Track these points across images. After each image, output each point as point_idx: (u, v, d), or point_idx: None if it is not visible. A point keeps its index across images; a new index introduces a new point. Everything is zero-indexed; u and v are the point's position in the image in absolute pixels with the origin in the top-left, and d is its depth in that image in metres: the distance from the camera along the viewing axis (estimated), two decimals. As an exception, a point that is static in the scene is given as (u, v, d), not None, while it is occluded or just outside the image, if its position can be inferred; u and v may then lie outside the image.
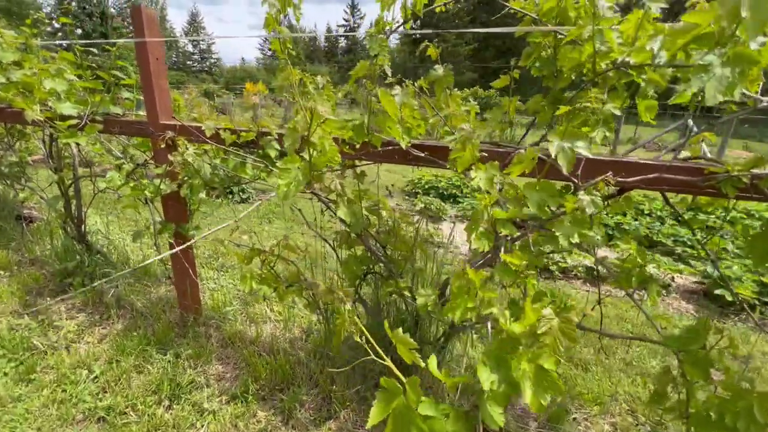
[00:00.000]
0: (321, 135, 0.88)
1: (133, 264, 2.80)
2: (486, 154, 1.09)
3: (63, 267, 2.53)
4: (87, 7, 36.47)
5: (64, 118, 1.90)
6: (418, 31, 1.22)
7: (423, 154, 1.18)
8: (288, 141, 0.93)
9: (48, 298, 2.47)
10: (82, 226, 2.54)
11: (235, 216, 1.91)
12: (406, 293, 1.44)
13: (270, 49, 1.55)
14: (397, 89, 0.97)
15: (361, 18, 61.37)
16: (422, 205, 5.03)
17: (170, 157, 1.65)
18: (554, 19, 1.22)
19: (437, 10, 1.26)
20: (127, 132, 2.01)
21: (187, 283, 2.12)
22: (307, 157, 0.90)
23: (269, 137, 1.59)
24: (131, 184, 1.92)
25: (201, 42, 56.51)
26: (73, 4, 37.93)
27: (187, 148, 1.67)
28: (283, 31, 1.51)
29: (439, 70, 1.12)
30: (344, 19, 61.86)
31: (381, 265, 1.61)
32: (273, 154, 1.57)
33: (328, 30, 64.43)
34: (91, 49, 2.01)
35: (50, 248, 2.77)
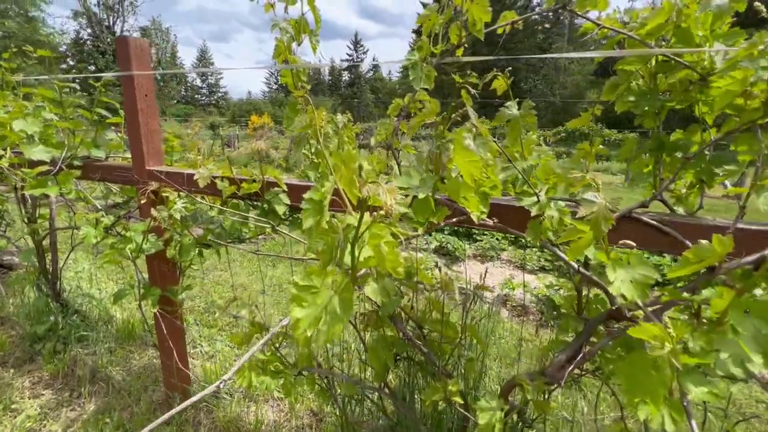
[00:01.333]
0: (375, 233, 0.54)
1: (117, 324, 2.43)
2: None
3: (32, 331, 2.17)
4: (101, 45, 37.93)
5: (34, 164, 1.61)
6: (479, 57, 0.92)
7: (492, 222, 0.84)
8: (309, 219, 0.59)
9: (12, 370, 2.09)
10: (57, 283, 2.20)
11: (229, 261, 1.57)
12: (457, 400, 1.07)
13: (279, 84, 1.27)
14: (468, 136, 0.66)
15: (364, 53, 63.45)
16: (437, 244, 4.68)
17: (153, 212, 1.33)
18: (661, 40, 0.92)
19: (499, 31, 0.97)
20: (110, 179, 1.72)
21: (174, 359, 1.75)
22: (347, 261, 0.55)
23: (276, 189, 1.27)
24: (110, 240, 1.60)
25: (209, 76, 58.32)
26: (88, 42, 39.52)
27: (175, 202, 1.35)
28: (296, 60, 1.23)
29: (513, 107, 0.81)
30: (348, 54, 63.97)
31: (417, 351, 1.24)
32: (281, 210, 1.25)
33: (332, 67, 66.58)
34: (73, 84, 1.74)
35: (22, 306, 2.41)
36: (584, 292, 1.02)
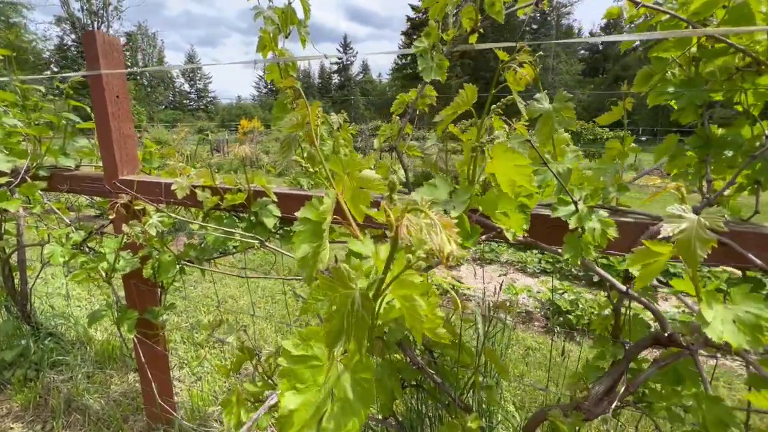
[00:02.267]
0: (408, 283, 0.39)
1: (95, 346, 2.25)
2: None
3: (0, 357, 1.98)
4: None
5: (-6, 175, 1.44)
6: (499, 44, 0.79)
7: (523, 236, 0.71)
8: (303, 246, 0.45)
9: (-22, 401, 1.90)
10: (27, 304, 2.02)
11: (213, 277, 1.41)
12: (479, 438, 0.93)
13: (269, 87, 1.12)
14: (501, 134, 0.53)
15: (354, 55, 63.35)
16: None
17: (124, 228, 1.17)
18: (703, 23, 0.80)
19: (519, 13, 0.84)
20: (79, 190, 1.55)
21: (155, 386, 1.59)
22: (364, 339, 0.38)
23: (265, 199, 1.13)
24: (81, 259, 1.43)
25: (198, 81, 57.74)
26: (72, 48, 38.86)
27: (151, 215, 1.19)
28: (284, 53, 1.09)
29: (545, 100, 0.67)
30: (338, 57, 63.80)
31: (427, 379, 1.10)
32: (270, 223, 1.11)
33: (322, 68, 66.28)
34: (38, 87, 1.58)
35: (-9, 329, 2.22)
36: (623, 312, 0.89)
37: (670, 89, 0.86)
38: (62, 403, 1.86)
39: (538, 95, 0.70)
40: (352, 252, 0.49)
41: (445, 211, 0.48)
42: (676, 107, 0.89)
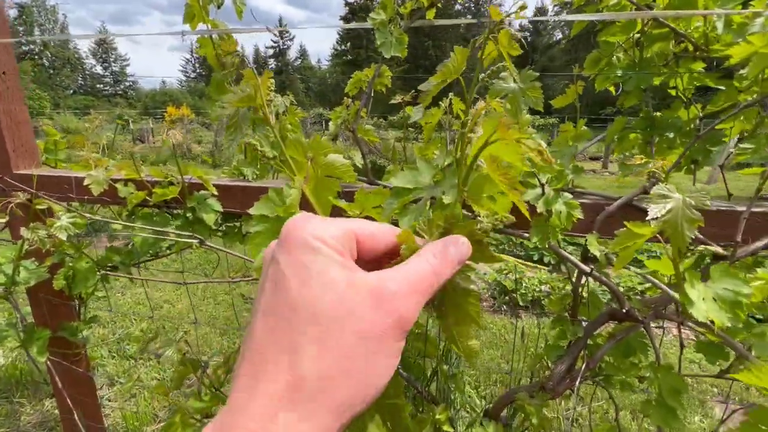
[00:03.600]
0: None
1: (2, 371, 1.92)
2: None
3: None
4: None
5: None
6: (460, 21, 0.74)
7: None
8: (263, 249, 0.37)
9: None
10: None
11: (144, 281, 1.23)
12: (448, 429, 0.91)
13: (198, 72, 0.98)
14: (492, 109, 0.48)
15: (291, 40, 60.71)
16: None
17: (23, 232, 0.97)
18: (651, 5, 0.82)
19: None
20: (-41, 189, 1.26)
21: (78, 413, 1.38)
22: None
23: (203, 193, 0.99)
24: (-33, 273, 1.17)
25: (113, 62, 51.62)
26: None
27: (58, 217, 1.00)
28: (217, 25, 0.95)
29: (511, 79, 0.64)
30: (272, 41, 60.69)
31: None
32: (210, 219, 0.98)
33: (257, 52, 62.71)
34: None
35: None
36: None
37: (618, 72, 0.88)
38: (-44, 444, 1.56)
39: (503, 74, 0.67)
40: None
41: (433, 199, 0.43)
42: (613, 92, 0.93)
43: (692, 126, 0.89)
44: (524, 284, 2.96)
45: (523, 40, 0.55)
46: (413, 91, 0.90)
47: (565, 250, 0.77)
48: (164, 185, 0.98)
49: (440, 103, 0.83)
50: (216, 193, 0.99)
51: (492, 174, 0.37)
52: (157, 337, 1.07)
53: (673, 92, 0.94)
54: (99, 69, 51.91)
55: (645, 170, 0.56)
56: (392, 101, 0.85)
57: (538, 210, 0.67)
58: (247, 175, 1.08)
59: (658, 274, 0.61)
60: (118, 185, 1.03)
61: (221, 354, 1.99)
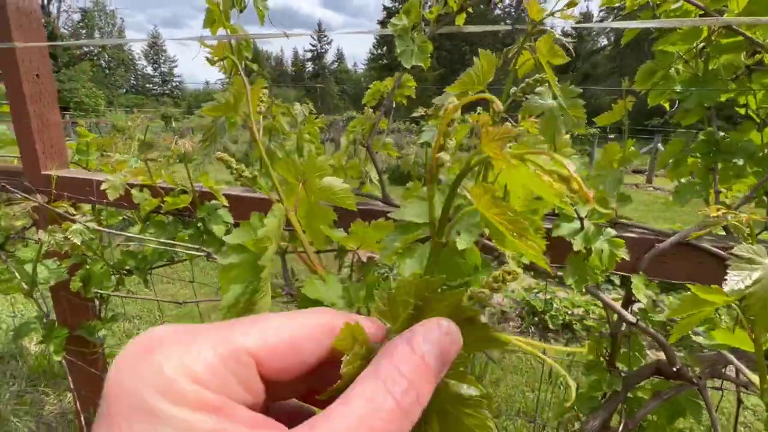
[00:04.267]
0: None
1: (29, 360, 2.00)
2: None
3: None
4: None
5: None
6: (492, 27, 0.66)
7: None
8: (233, 288, 0.32)
9: None
10: (-59, 317, 1.74)
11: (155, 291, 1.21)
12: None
13: (210, 62, 0.95)
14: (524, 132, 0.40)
15: (328, 44, 61.95)
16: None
17: (41, 234, 0.97)
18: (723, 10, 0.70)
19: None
20: (-6, 186, 1.31)
21: (88, 415, 1.39)
22: None
23: (214, 203, 0.96)
24: (-5, 268, 1.21)
25: (162, 64, 54.74)
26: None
27: (72, 221, 1.00)
28: (237, 30, 0.92)
29: (548, 95, 0.55)
30: (311, 45, 62.15)
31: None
32: (220, 231, 0.94)
33: (295, 55, 64.50)
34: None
35: None
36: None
37: (677, 87, 0.76)
38: (-16, 429, 1.62)
39: (540, 88, 0.58)
40: (307, 300, 0.36)
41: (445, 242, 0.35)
42: (668, 107, 0.81)
43: (766, 152, 0.75)
44: (555, 306, 2.78)
45: (570, 46, 0.46)
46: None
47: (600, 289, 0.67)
48: (176, 194, 0.96)
49: (467, 118, 0.75)
50: (226, 203, 0.95)
51: (485, 212, 0.27)
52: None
53: (742, 111, 0.81)
54: (149, 70, 55.18)
55: (719, 222, 0.46)
56: (414, 114, 0.78)
57: (575, 248, 0.57)
58: (263, 185, 1.04)
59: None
60: (134, 191, 1.01)
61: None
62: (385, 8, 46.24)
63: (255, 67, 0.99)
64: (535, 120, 0.51)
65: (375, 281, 0.37)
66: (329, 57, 62.58)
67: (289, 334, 0.19)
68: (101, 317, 1.43)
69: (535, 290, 2.95)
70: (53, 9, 38.24)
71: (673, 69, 0.82)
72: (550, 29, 0.46)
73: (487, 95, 0.21)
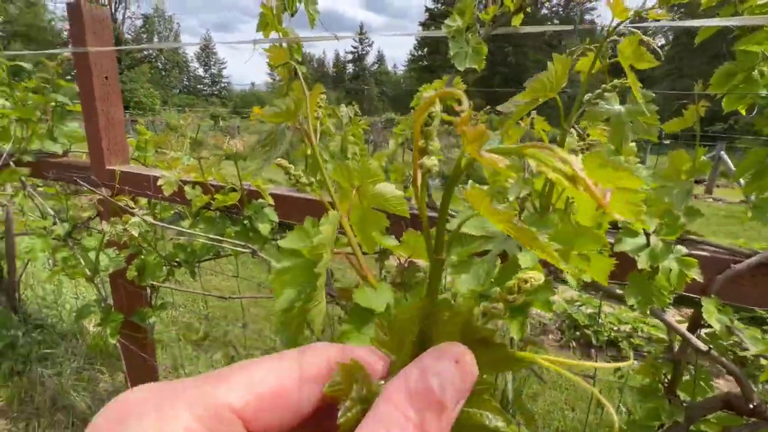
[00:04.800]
0: None
1: (88, 339, 2.16)
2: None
3: (-13, 348, 1.90)
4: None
5: (-28, 159, 1.32)
6: (551, 27, 0.62)
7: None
8: (286, 293, 0.32)
9: (-38, 393, 1.82)
10: (16, 294, 1.92)
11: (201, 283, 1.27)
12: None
13: (270, 66, 0.98)
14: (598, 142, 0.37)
15: (369, 45, 62.62)
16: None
17: (103, 225, 1.04)
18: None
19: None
20: (65, 178, 1.43)
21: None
22: None
23: (260, 201, 0.99)
24: (63, 253, 1.32)
25: (212, 66, 57.75)
26: (90, 29, 39.06)
27: (131, 214, 1.07)
28: (288, 33, 0.94)
29: (615, 100, 0.51)
30: (353, 47, 63.13)
31: None
32: (265, 229, 0.97)
33: (337, 58, 65.74)
34: (22, 64, 1.45)
35: (-20, 317, 2.14)
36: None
37: (762, 92, 0.69)
38: (47, 400, 1.77)
39: (606, 93, 0.54)
40: (359, 308, 0.35)
41: (505, 254, 0.33)
42: (744, 113, 0.73)
43: None
44: (600, 321, 2.63)
45: (657, 48, 0.43)
46: (488, 107, 0.79)
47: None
48: (225, 192, 0.99)
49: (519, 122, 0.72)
50: (272, 203, 0.98)
51: (489, 218, 0.24)
52: (206, 338, 1.09)
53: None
54: (200, 71, 58.43)
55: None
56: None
57: (640, 265, 0.53)
58: (316, 191, 1.06)
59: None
60: (186, 187, 1.06)
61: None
62: (428, 9, 46.02)
63: (303, 69, 1.00)
64: (604, 128, 0.47)
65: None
66: (370, 59, 63.19)
67: (278, 381, 0.17)
68: (152, 305, 1.51)
69: (578, 303, 2.81)
70: (119, 15, 41.47)
71: (756, 71, 0.74)
72: (636, 31, 0.42)
73: (455, 91, 0.18)
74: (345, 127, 1.03)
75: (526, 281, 0.22)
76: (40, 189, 1.66)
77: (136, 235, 1.05)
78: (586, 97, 0.43)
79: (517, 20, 0.69)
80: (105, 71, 1.25)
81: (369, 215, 0.42)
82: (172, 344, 2.26)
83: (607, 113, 0.52)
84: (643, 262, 0.53)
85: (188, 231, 0.95)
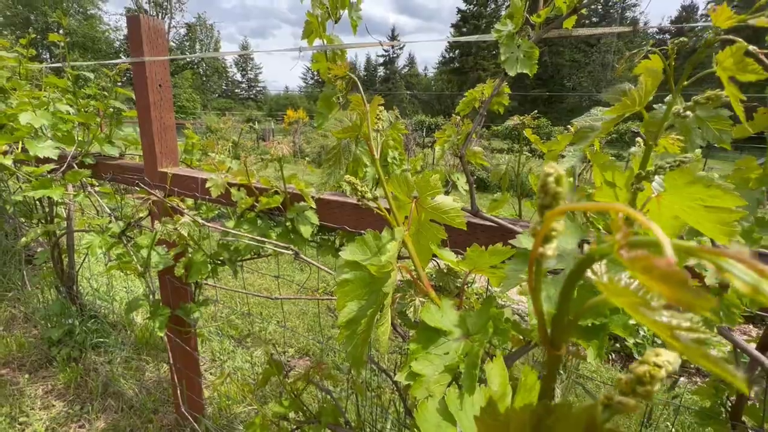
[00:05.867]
0: None
1: (136, 330, 2.29)
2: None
3: (49, 335, 2.06)
4: (150, 40, 39.75)
5: (42, 161, 1.44)
6: (600, 30, 0.60)
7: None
8: (349, 305, 0.33)
9: (26, 375, 1.99)
10: (74, 286, 2.07)
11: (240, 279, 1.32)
12: None
13: (315, 78, 1.00)
14: (691, 157, 0.35)
15: (401, 49, 62.75)
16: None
17: (156, 225, 1.11)
18: None
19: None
20: (121, 179, 1.53)
21: (184, 384, 1.55)
22: None
23: (302, 204, 1.01)
24: (117, 250, 1.41)
25: (249, 71, 59.93)
26: (139, 38, 41.58)
27: (181, 214, 1.12)
28: (332, 40, 0.96)
29: (680, 102, 0.48)
30: (384, 50, 63.52)
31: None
32: (307, 232, 0.99)
33: (368, 61, 66.36)
34: (85, 72, 1.57)
35: (43, 306, 2.33)
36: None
37: None
38: (100, 385, 1.90)
39: (668, 98, 0.51)
40: (426, 327, 0.35)
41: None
42: None
43: None
44: (642, 332, 2.49)
45: (764, 58, 0.40)
46: (536, 111, 0.77)
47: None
48: (269, 195, 1.03)
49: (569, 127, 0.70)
50: (314, 206, 1.00)
51: (625, 308, 0.19)
52: (249, 335, 1.12)
53: None
54: (238, 76, 60.79)
55: None
56: (509, 122, 0.74)
57: (707, 282, 0.49)
58: (347, 190, 1.08)
59: None
60: (233, 190, 1.11)
61: (303, 355, 2.08)
62: (460, 11, 45.53)
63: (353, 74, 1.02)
64: (676, 138, 0.45)
65: (498, 314, 0.35)
66: (401, 61, 63.32)
67: None
68: (195, 301, 1.59)
69: (619, 314, 2.67)
70: (165, 25, 43.96)
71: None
72: (739, 40, 0.40)
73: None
74: (385, 131, 1.03)
75: (659, 366, 0.17)
76: (96, 189, 1.78)
77: (186, 234, 1.10)
78: (675, 109, 0.40)
79: (569, 23, 0.67)
80: (159, 79, 1.33)
81: (426, 227, 0.42)
82: (210, 338, 2.35)
83: (675, 120, 0.49)
84: (710, 278, 0.49)
85: (234, 231, 0.99)
